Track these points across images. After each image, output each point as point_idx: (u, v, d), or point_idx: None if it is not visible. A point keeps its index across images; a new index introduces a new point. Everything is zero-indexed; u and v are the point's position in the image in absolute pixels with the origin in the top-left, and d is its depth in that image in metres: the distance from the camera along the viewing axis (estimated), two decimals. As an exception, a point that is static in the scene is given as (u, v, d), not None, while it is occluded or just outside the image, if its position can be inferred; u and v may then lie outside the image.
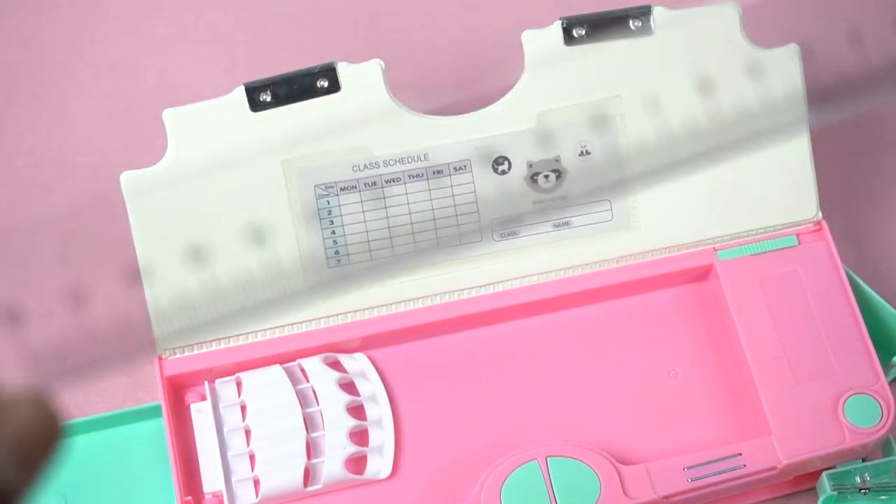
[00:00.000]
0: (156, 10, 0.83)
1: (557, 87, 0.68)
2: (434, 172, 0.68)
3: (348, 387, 0.68)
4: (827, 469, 0.66)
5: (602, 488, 0.64)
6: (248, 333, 0.67)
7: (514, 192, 0.68)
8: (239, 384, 0.67)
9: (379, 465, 0.67)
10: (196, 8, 0.83)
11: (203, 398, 0.67)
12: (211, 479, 0.65)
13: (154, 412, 0.68)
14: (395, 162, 0.68)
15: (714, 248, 0.70)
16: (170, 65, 0.82)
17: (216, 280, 0.66)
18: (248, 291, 0.66)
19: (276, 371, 0.67)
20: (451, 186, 0.68)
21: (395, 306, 0.68)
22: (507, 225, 0.69)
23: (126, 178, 0.66)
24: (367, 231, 0.68)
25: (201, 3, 0.84)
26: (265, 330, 0.68)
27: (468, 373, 0.69)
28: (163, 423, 0.66)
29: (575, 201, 0.69)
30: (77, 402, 0.70)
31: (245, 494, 0.65)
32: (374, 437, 0.67)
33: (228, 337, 0.67)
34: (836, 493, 0.66)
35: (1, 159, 0.79)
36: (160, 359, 0.67)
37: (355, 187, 0.67)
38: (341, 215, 0.67)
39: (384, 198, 0.68)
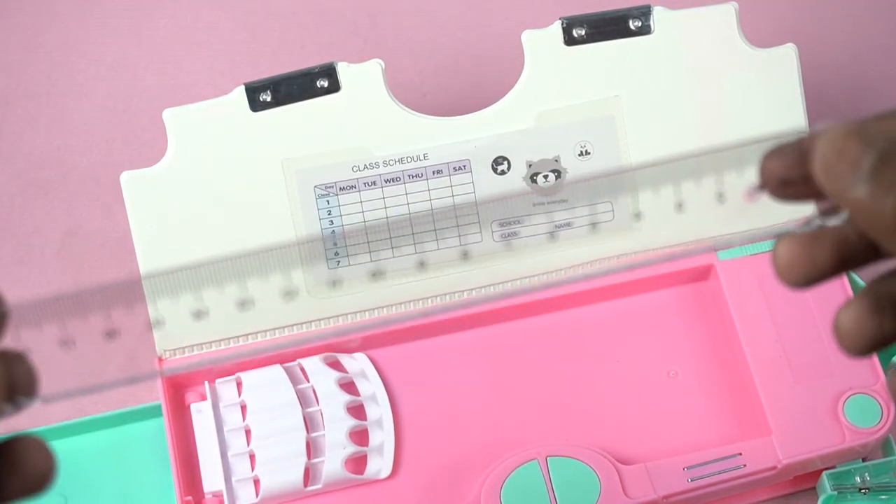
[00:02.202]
0: (156, 10, 0.83)
1: (557, 87, 0.68)
2: (434, 172, 0.68)
3: (348, 386, 0.68)
4: (827, 469, 0.66)
5: (602, 488, 0.64)
6: (248, 334, 0.67)
7: (514, 192, 0.68)
8: (239, 384, 0.67)
9: (379, 464, 0.66)
10: (196, 8, 0.83)
11: (203, 398, 0.67)
12: (211, 479, 0.65)
13: (154, 412, 0.68)
14: (395, 162, 0.68)
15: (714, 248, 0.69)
16: (170, 65, 0.82)
17: (216, 280, 0.66)
18: (248, 291, 0.66)
19: (276, 371, 0.67)
20: (451, 186, 0.68)
21: (395, 306, 0.68)
22: (507, 225, 0.68)
23: (126, 178, 0.66)
24: (366, 231, 0.67)
25: (201, 3, 0.83)
26: (265, 330, 0.67)
27: (468, 372, 0.69)
28: (163, 423, 0.66)
29: (575, 201, 0.68)
30: (78, 402, 0.70)
31: (245, 494, 0.65)
32: (374, 436, 0.67)
33: (228, 337, 0.67)
34: (835, 492, 0.66)
35: (1, 159, 0.79)
36: (160, 359, 0.67)
37: (355, 187, 0.67)
38: (341, 215, 0.67)
39: (384, 198, 0.68)
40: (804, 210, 0.68)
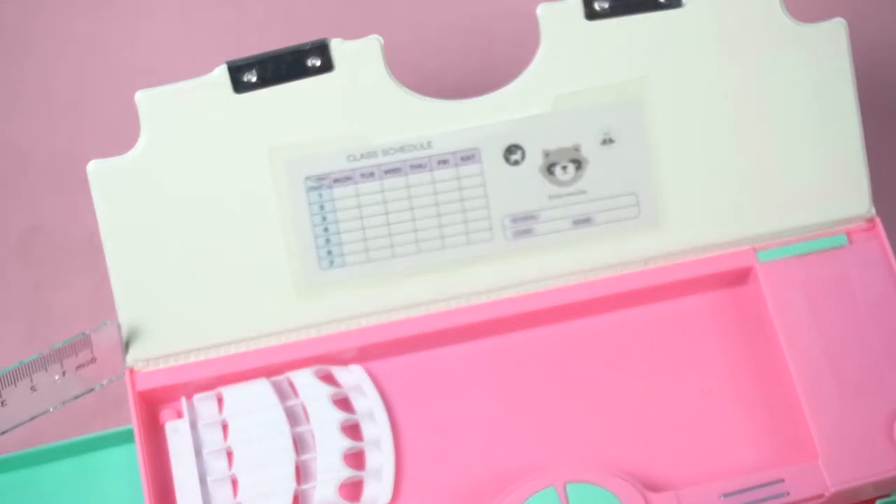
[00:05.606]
0: (128, -21, 0.84)
1: (577, 67, 0.67)
2: (439, 162, 0.67)
3: (343, 403, 0.66)
4: (881, 497, 0.65)
5: (627, 518, 0.66)
6: (230, 343, 0.66)
7: (529, 184, 0.67)
8: (220, 400, 0.66)
9: (377, 490, 0.65)
10: (174, -24, 0.83)
11: (180, 416, 0.66)
12: (188, 508, 0.67)
13: (125, 437, 0.67)
14: (396, 150, 0.66)
15: (753, 248, 0.68)
16: (143, 40, 0.82)
17: (194, 282, 0.67)
18: (230, 295, 0.67)
19: (262, 385, 0.66)
20: (458, 178, 0.67)
21: (395, 313, 0.67)
22: (521, 222, 0.67)
23: (93, 167, 0.65)
24: (363, 229, 0.66)
25: (179, -30, 0.84)
26: (249, 339, 0.66)
27: (477, 388, 0.67)
28: (133, 450, 0.65)
29: (597, 195, 0.68)
30: (39, 421, 0.68)
31: (226, 525, 0.66)
32: (372, 459, 0.65)
33: (208, 347, 0.66)
34: (890, 523, 0.66)
35: (-46, 148, 0.79)
36: (131, 371, 0.66)
37: (351, 179, 0.66)
38: (335, 210, 0.66)
39: (383, 191, 0.66)
40: (856, 206, 0.67)
